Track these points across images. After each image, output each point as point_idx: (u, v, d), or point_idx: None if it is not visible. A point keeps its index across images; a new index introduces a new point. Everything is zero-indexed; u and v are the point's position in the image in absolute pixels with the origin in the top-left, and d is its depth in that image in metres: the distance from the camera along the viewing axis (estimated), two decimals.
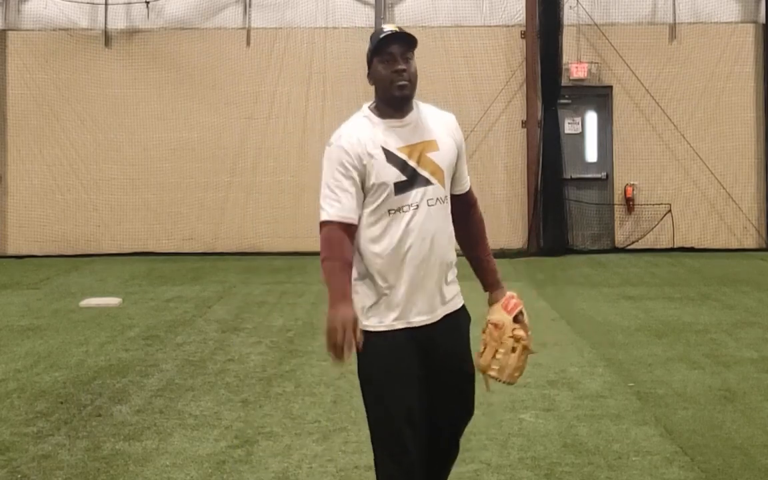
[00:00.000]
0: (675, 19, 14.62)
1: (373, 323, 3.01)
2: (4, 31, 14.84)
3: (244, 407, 5.50)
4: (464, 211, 3.22)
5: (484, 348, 3.15)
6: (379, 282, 3.00)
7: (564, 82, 14.25)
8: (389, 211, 2.98)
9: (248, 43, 14.76)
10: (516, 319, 3.16)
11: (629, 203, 14.49)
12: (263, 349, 7.14)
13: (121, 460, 4.55)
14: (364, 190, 2.99)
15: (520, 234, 14.31)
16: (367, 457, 4.49)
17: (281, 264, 12.94)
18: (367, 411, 3.08)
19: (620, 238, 14.54)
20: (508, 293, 3.22)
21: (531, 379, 6.10)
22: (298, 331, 7.81)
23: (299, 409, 5.41)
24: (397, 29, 3.02)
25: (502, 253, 13.65)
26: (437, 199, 3.01)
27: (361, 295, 3.03)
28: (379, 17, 14.42)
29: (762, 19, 14.60)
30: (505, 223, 14.28)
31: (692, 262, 12.83)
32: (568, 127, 14.64)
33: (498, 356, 3.10)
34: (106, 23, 14.77)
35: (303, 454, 4.62)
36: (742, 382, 5.97)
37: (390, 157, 2.98)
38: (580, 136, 14.75)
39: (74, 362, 6.74)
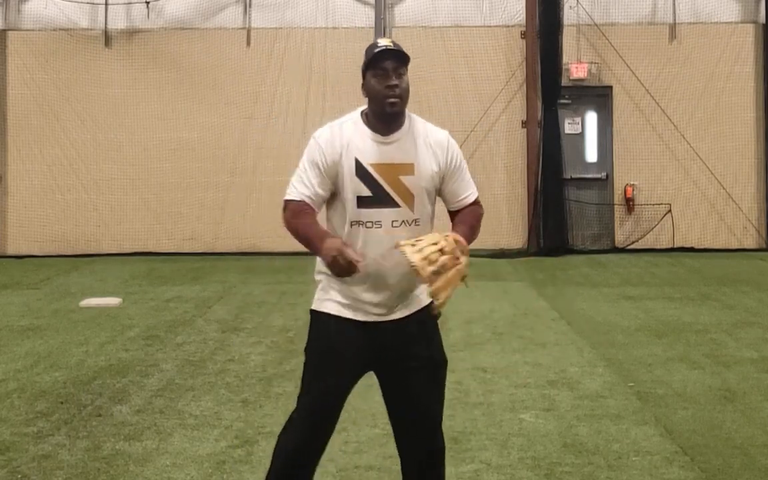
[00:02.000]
0: (675, 19, 14.62)
1: (323, 306, 3.17)
2: (4, 31, 14.84)
3: (244, 407, 5.50)
4: (463, 210, 3.25)
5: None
6: (336, 281, 3.11)
7: (564, 82, 14.24)
8: (351, 222, 3.08)
9: (248, 43, 14.76)
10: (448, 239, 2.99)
11: (629, 203, 14.49)
12: (263, 349, 7.14)
13: (121, 460, 4.55)
14: (333, 193, 3.13)
15: (520, 234, 14.31)
16: (367, 457, 4.50)
17: (281, 264, 12.93)
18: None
19: (620, 238, 14.54)
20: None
21: (531, 379, 6.11)
22: (298, 331, 7.80)
23: None
24: (392, 44, 3.10)
25: (502, 253, 13.66)
26: (403, 221, 3.08)
27: (321, 283, 3.20)
28: (379, 17, 14.42)
29: (762, 19, 14.60)
30: (505, 223, 14.27)
31: (692, 262, 12.83)
32: (568, 127, 14.64)
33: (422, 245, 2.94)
34: (106, 23, 14.77)
35: None
36: (742, 382, 5.97)
37: (360, 170, 3.06)
38: (580, 136, 14.75)
39: (74, 362, 6.74)
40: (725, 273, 11.60)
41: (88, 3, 14.79)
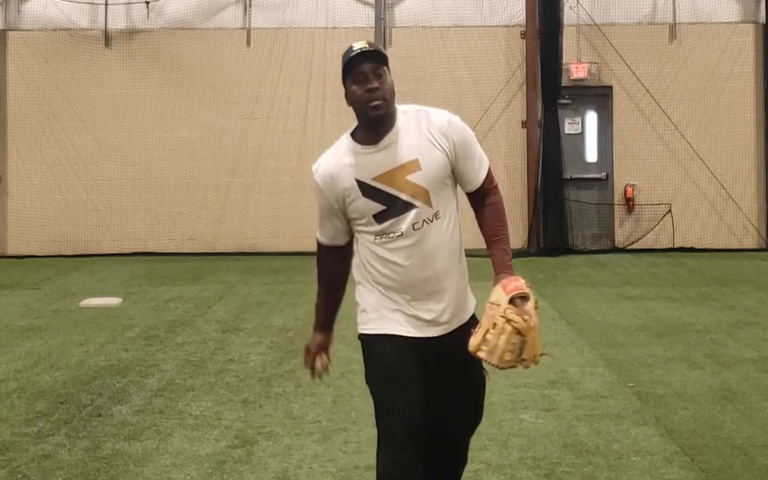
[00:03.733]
0: (675, 19, 14.62)
1: (372, 327, 3.01)
2: (4, 31, 14.84)
3: (244, 407, 5.50)
4: (478, 204, 3.08)
5: (478, 328, 2.95)
6: (380, 291, 3.01)
7: (564, 82, 14.25)
8: (375, 237, 2.97)
9: (248, 43, 14.76)
10: (513, 302, 2.88)
11: (629, 203, 14.49)
12: (263, 349, 7.14)
13: (121, 460, 4.55)
14: (348, 220, 3.04)
15: (520, 234, 14.30)
16: (367, 457, 4.50)
17: (281, 264, 12.94)
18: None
19: (620, 238, 14.54)
20: (513, 276, 2.94)
21: (531, 379, 6.11)
22: (298, 331, 7.81)
23: (299, 409, 5.42)
24: (367, 45, 2.91)
25: None
26: (423, 220, 2.94)
27: (363, 298, 3.06)
28: (379, 17, 14.42)
29: (762, 19, 14.60)
30: None
31: (692, 262, 12.83)
32: (568, 127, 14.64)
33: (488, 336, 2.87)
34: (106, 23, 14.77)
35: (303, 454, 4.63)
36: (742, 382, 5.96)
37: (366, 189, 2.93)
38: (580, 136, 14.75)
39: (74, 362, 6.74)
40: (725, 273, 11.59)
41: (88, 3, 14.79)
